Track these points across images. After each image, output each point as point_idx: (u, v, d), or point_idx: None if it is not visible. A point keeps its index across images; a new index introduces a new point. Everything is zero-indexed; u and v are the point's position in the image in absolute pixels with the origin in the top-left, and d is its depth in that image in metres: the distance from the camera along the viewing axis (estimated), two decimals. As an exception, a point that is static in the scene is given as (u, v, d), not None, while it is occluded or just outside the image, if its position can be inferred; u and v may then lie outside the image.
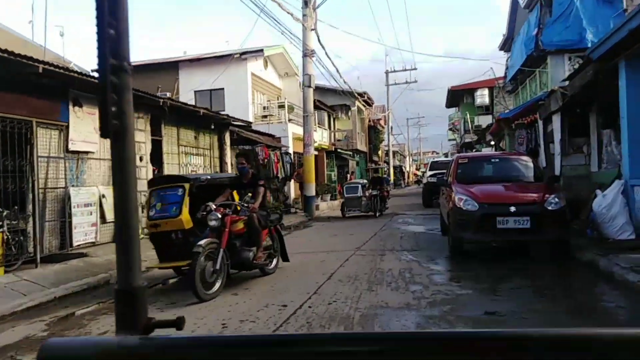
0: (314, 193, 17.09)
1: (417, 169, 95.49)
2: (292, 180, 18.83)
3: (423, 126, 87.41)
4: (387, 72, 45.60)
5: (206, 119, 11.38)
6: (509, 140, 17.84)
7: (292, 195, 19.48)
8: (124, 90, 0.98)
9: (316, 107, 25.90)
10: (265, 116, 20.58)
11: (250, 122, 13.05)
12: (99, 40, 0.98)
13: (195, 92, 20.36)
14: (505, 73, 16.91)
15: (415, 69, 44.89)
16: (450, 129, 61.44)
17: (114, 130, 0.97)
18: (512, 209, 6.33)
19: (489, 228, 6.41)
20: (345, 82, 22.06)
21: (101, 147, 8.29)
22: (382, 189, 15.97)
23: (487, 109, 32.80)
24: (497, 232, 6.41)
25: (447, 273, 5.93)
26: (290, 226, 13.52)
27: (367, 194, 15.49)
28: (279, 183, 16.59)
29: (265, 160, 14.72)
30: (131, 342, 0.79)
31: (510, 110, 12.62)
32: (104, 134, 0.97)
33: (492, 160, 8.17)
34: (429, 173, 18.68)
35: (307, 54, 16.54)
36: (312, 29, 16.63)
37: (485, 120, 31.08)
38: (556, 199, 6.46)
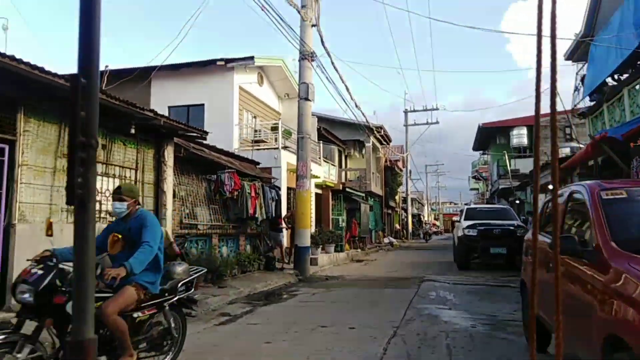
0: (308, 243, 12.38)
1: (436, 219, 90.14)
2: (283, 224, 14.15)
3: (442, 174, 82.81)
4: (406, 112, 41.76)
5: (122, 116, 6.96)
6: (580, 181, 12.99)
7: (285, 243, 14.77)
8: (91, 164, 1.17)
9: (324, 138, 21.62)
10: (256, 141, 16.27)
11: (205, 132, 8.65)
12: (72, 122, 1.20)
13: (169, 107, 16.28)
14: (576, 90, 12.47)
15: (437, 109, 40.59)
16: (473, 177, 56.70)
17: (79, 198, 1.15)
18: None
19: None
20: (357, 106, 17.79)
21: None
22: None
23: (523, 151, 28.21)
24: None
25: None
26: (263, 294, 8.76)
27: None
28: (258, 227, 11.92)
29: (235, 192, 10.15)
30: None
31: (619, 126, 8.01)
32: (69, 201, 1.21)
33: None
34: (464, 223, 13.85)
35: (305, 55, 12.35)
36: (313, 25, 12.53)
37: (523, 165, 26.36)
38: None
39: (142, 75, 16.67)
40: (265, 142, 16.36)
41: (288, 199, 15.71)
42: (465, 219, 14.37)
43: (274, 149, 15.44)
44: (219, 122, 15.60)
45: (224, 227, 10.34)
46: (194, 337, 5.38)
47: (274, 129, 15.85)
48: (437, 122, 41.17)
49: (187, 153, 8.71)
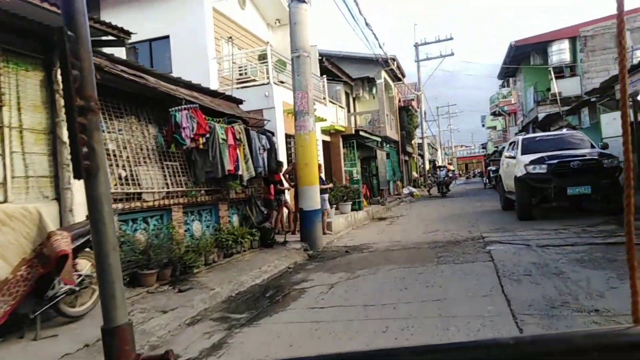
0: (317, 204, 9.04)
1: (449, 163, 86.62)
2: (284, 180, 10.79)
3: (454, 115, 78.53)
4: (416, 45, 37.25)
5: None
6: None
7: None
8: (93, 130, 0.97)
9: (328, 73, 17.83)
10: (242, 81, 12.62)
11: (126, 32, 5.07)
12: (64, 82, 0.98)
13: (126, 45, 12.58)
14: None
15: (451, 38, 36.03)
16: (492, 113, 52.38)
17: (86, 170, 0.97)
18: None
19: None
20: (367, 25, 13.88)
21: None
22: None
23: (562, 71, 24.02)
24: None
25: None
26: (252, 293, 5.54)
27: None
28: (245, 188, 8.55)
29: (201, 140, 6.71)
30: None
31: None
32: (76, 175, 0.98)
33: None
34: (524, 159, 10.32)
35: None
36: None
37: (565, 87, 22.36)
38: None
39: (89, 6, 12.92)
40: (255, 80, 12.72)
41: (287, 150, 12.28)
42: (523, 153, 10.84)
43: (265, 85, 11.82)
44: (190, 58, 11.99)
45: (190, 194, 6.96)
46: None
47: (262, 57, 12.17)
48: (452, 54, 36.90)
49: (105, 76, 5.19)
